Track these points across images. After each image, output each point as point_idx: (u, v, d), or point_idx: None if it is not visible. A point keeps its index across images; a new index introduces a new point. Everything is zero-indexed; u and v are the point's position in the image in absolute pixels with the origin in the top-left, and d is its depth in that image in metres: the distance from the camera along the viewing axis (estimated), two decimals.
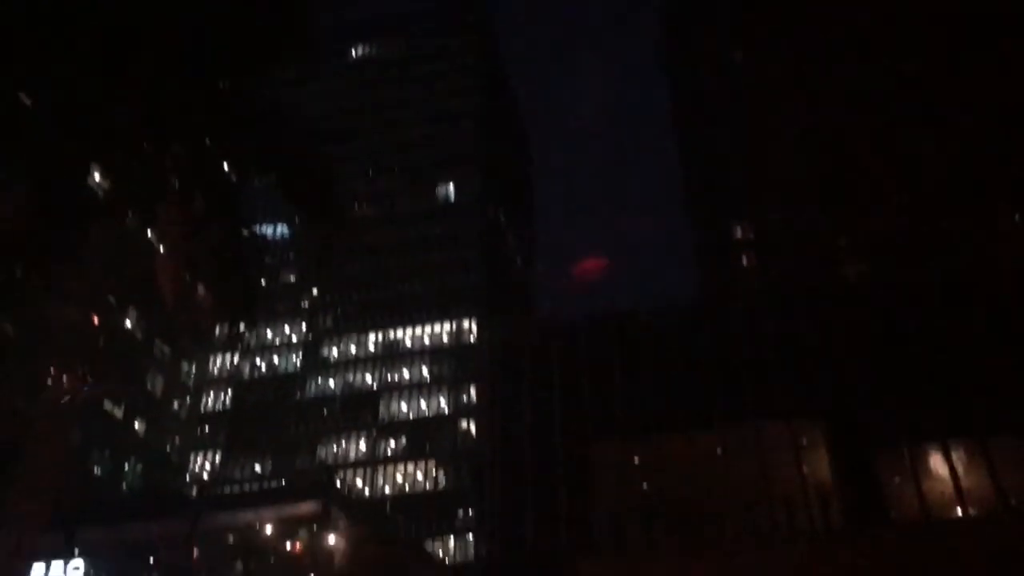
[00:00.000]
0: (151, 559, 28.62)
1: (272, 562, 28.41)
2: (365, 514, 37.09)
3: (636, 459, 29.84)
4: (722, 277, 48.70)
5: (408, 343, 72.80)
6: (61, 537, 25.24)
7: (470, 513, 63.05)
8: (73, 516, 25.43)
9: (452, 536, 62.16)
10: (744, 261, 49.18)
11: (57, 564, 25.54)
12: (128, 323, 50.60)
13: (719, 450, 28.82)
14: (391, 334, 73.31)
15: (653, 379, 33.41)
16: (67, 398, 11.81)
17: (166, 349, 59.12)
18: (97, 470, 48.99)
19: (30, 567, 12.51)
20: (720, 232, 50.00)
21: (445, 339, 71.84)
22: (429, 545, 57.59)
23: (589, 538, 28.90)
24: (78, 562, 26.00)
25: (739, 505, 26.15)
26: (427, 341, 72.23)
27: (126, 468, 52.88)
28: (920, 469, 28.35)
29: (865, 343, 32.43)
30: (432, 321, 72.45)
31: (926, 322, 33.35)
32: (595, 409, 45.60)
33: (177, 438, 62.52)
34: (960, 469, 27.84)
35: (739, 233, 49.52)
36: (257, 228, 76.86)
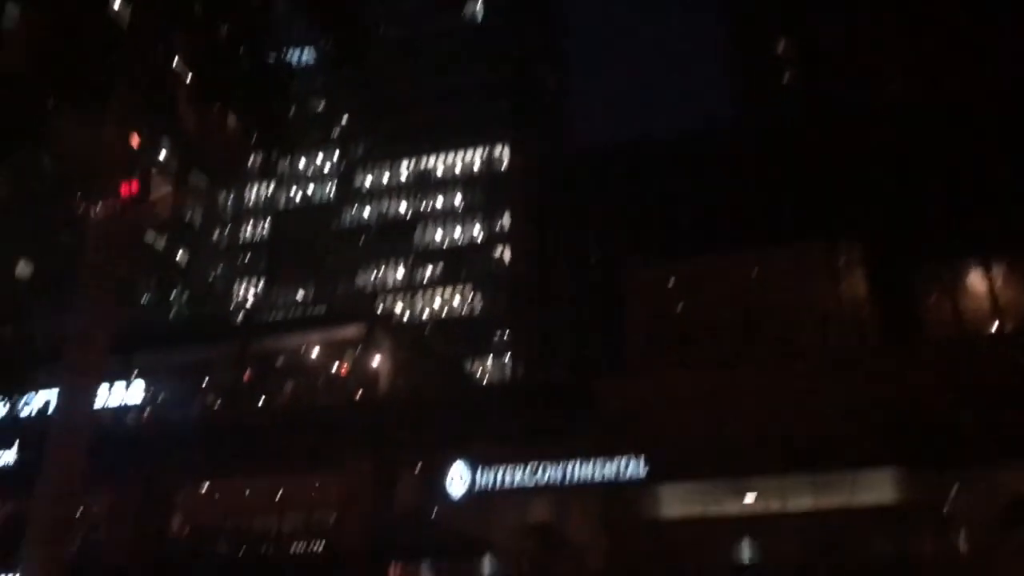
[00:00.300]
0: (204, 381, 29.94)
1: (320, 382, 29.58)
2: (405, 337, 38.23)
3: (671, 281, 30.05)
4: (762, 96, 47.25)
5: (440, 170, 72.49)
6: (120, 361, 26.40)
7: (505, 336, 64.81)
8: (129, 342, 26.50)
9: (488, 358, 64.21)
10: (785, 79, 47.53)
11: (119, 385, 26.85)
12: (162, 154, 50.65)
13: (755, 272, 28.87)
14: (423, 162, 72.91)
15: (689, 201, 33.13)
16: (109, 226, 11.96)
17: (202, 180, 59.51)
18: (146, 299, 50.67)
19: (97, 389, 13.10)
20: (761, 49, 48.07)
21: (477, 165, 71.37)
22: (467, 367, 59.60)
23: (621, 359, 29.65)
24: (138, 383, 27.31)
25: (774, 326, 26.47)
26: (459, 168, 71.84)
27: (172, 297, 54.60)
28: (958, 285, 28.30)
29: (906, 161, 31.71)
30: (464, 148, 71.74)
31: (968, 139, 32.39)
32: (630, 232, 45.69)
33: (219, 268, 64.00)
34: (999, 284, 27.72)
35: (781, 49, 47.56)
36: (284, 55, 74.96)
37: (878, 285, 28.93)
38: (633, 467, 19.39)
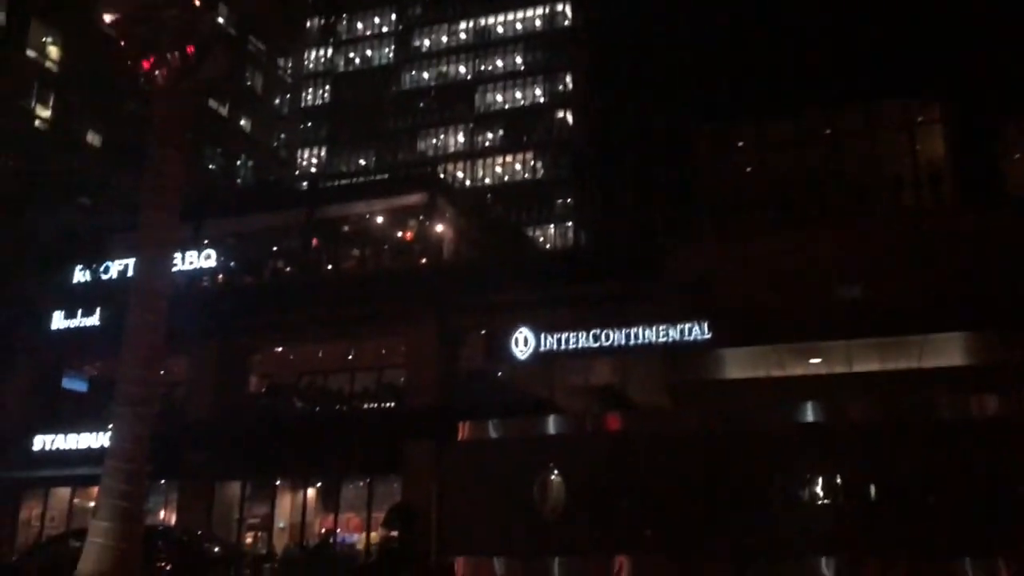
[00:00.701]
0: (273, 247, 30.62)
1: (384, 248, 30.00)
2: (468, 203, 38.26)
3: (740, 143, 29.21)
4: None
5: (500, 30, 70.50)
6: (191, 228, 27.05)
7: (568, 201, 64.44)
8: (199, 209, 27.07)
9: (552, 224, 64.11)
10: None
11: (191, 253, 27.61)
12: (220, 19, 50.19)
13: (828, 131, 27.88)
14: (483, 21, 70.91)
15: (762, 58, 31.71)
16: (173, 93, 11.97)
17: (261, 45, 59.01)
18: (212, 166, 51.40)
19: (171, 255, 13.48)
20: None
21: (538, 24, 69.17)
22: (529, 233, 59.72)
23: (687, 224, 29.32)
24: (209, 251, 28.04)
25: (846, 188, 25.73)
26: (520, 27, 69.75)
27: (238, 164, 55.27)
28: None
29: (989, 13, 29.70)
30: (525, 6, 69.39)
31: None
32: (697, 93, 44.27)
33: (282, 134, 64.25)
34: None
35: None
36: None
37: (957, 145, 27.75)
38: (697, 331, 19.40)
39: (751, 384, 20.35)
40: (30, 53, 41.33)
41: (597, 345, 19.71)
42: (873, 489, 11.03)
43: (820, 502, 11.40)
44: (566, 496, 12.23)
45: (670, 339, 19.19)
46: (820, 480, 11.40)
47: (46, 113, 41.88)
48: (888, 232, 21.27)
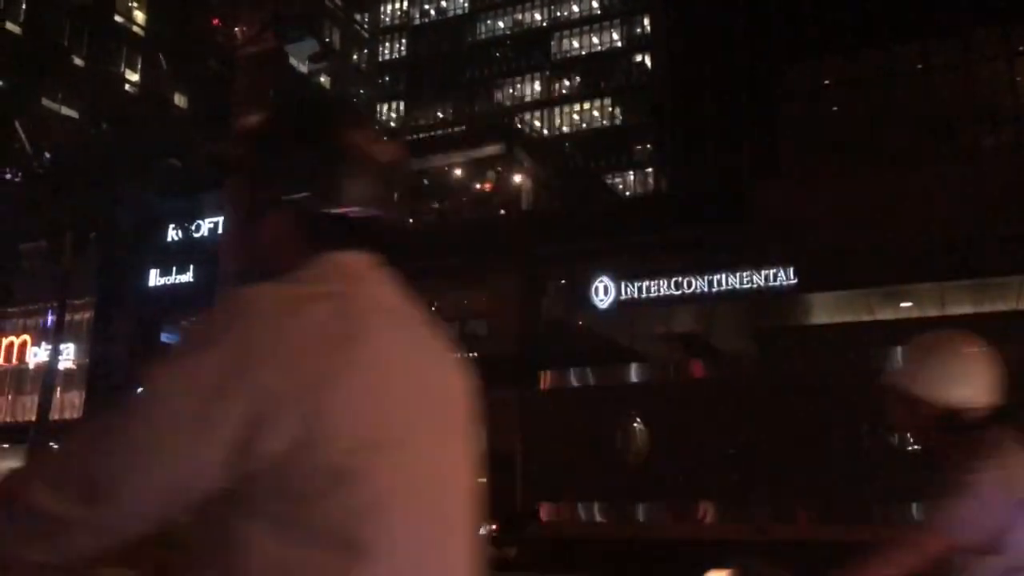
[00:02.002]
0: None
1: (465, 200, 30.18)
2: (546, 152, 38.06)
3: (828, 80, 28.21)
4: None
5: None
6: None
7: (648, 147, 63.44)
8: None
9: (631, 171, 63.31)
10: None
11: None
12: None
13: (920, 65, 26.67)
14: None
15: None
16: (253, 52, 12.17)
17: (339, 1, 59.34)
18: None
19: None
20: None
21: None
22: (609, 180, 59.11)
23: (774, 166, 28.57)
24: None
25: (939, 124, 24.65)
26: None
27: None
28: None
29: None
30: None
31: None
32: (782, 28, 42.68)
33: (361, 89, 64.79)
34: None
35: None
36: None
37: None
38: (783, 276, 19.06)
39: (839, 329, 19.94)
40: (117, 18, 42.51)
41: (679, 293, 19.56)
42: None
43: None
44: (649, 443, 12.28)
45: (754, 285, 18.91)
46: None
47: (134, 77, 43.14)
48: (982, 170, 20.36)
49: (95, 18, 41.31)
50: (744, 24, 49.29)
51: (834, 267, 18.39)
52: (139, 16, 43.38)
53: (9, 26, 38.04)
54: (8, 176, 24.19)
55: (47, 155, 23.44)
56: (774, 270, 18.81)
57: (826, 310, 19.94)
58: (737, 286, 19.00)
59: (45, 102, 37.96)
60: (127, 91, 42.32)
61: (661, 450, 12.24)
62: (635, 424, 12.69)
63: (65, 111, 37.10)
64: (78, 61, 40.36)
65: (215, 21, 10.42)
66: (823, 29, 35.59)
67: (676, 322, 21.20)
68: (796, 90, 28.68)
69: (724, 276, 19.30)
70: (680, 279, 19.63)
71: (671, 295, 19.63)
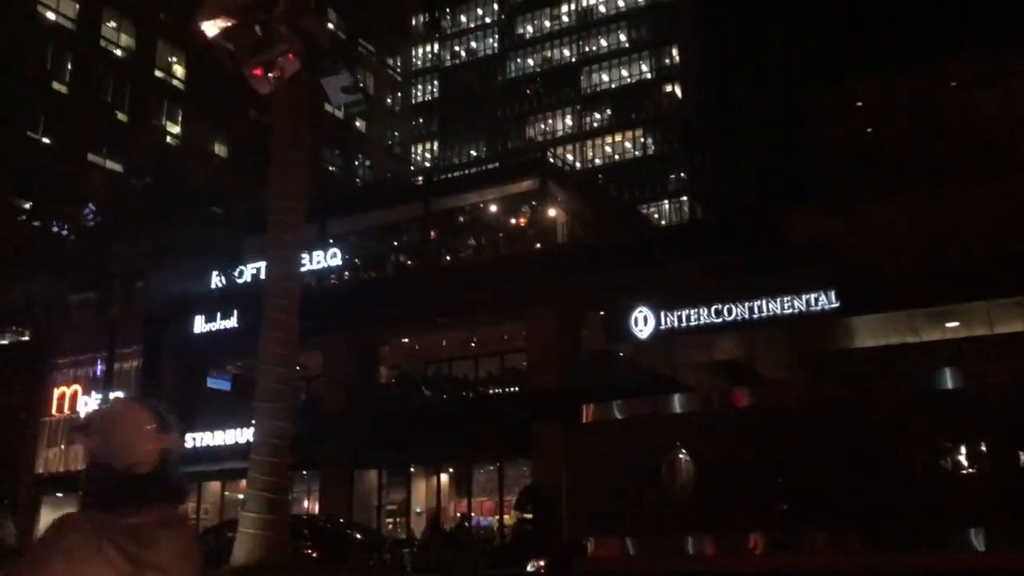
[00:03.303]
0: (393, 242, 31.47)
1: (500, 235, 30.36)
2: (580, 185, 38.21)
3: (859, 100, 28.03)
4: None
5: (603, 9, 69.85)
6: (316, 228, 28.04)
7: (682, 176, 63.40)
8: (322, 210, 28.08)
9: (666, 200, 63.27)
10: None
11: (317, 253, 28.66)
12: (331, 25, 51.73)
13: (953, 83, 26.42)
14: (584, 3, 70.44)
15: (878, 10, 30.23)
16: (290, 99, 12.46)
17: (371, 47, 60.41)
18: (332, 168, 53.12)
19: (299, 255, 14.06)
20: None
21: (641, 1, 68.17)
22: (644, 210, 59.09)
23: (807, 190, 28.41)
24: (334, 250, 29.05)
25: (979, 141, 24.34)
26: (622, 5, 68.94)
27: (356, 164, 56.89)
28: None
29: None
30: None
31: None
32: (810, 53, 42.61)
33: (396, 131, 65.68)
34: None
35: None
36: None
37: None
38: (824, 300, 18.84)
39: (884, 352, 19.61)
40: (158, 74, 43.72)
41: (720, 320, 19.40)
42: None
43: (964, 471, 10.94)
44: (696, 474, 12.15)
45: (796, 310, 18.69)
46: (963, 449, 10.93)
47: (175, 129, 44.24)
48: (1020, 192, 20.02)
49: (137, 74, 42.53)
50: (773, 49, 49.29)
51: (876, 288, 18.15)
52: (178, 70, 44.58)
53: (56, 85, 39.31)
54: (56, 230, 24.87)
55: (93, 209, 24.07)
56: (815, 294, 18.60)
57: (870, 333, 19.63)
58: (778, 311, 18.80)
59: (91, 157, 39.05)
60: (169, 143, 43.39)
61: (708, 481, 12.09)
62: (680, 455, 12.57)
63: (110, 165, 38.12)
64: (121, 116, 41.54)
65: (256, 71, 10.69)
66: (853, 50, 35.53)
67: (718, 350, 21.01)
68: (828, 112, 28.51)
69: (764, 302, 19.11)
70: (720, 306, 19.49)
71: (711, 323, 19.47)
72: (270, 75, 11.13)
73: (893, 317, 18.61)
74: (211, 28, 10.71)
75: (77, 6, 40.35)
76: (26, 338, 31.48)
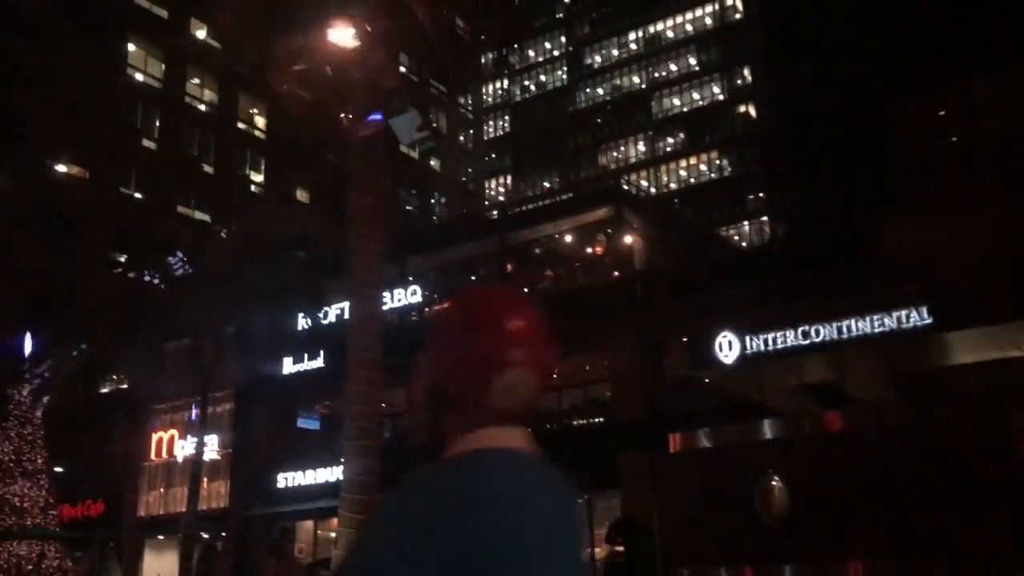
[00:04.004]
0: (471, 277, 31.73)
1: (577, 265, 30.32)
2: (655, 211, 37.97)
3: (943, 110, 27.21)
4: None
5: (671, 35, 69.73)
6: (396, 267, 28.52)
7: (761, 196, 62.43)
8: (401, 248, 28.55)
9: (745, 221, 62.32)
10: None
11: (398, 291, 29.10)
12: (403, 68, 52.93)
13: None
14: (651, 29, 70.45)
15: (962, 14, 29.37)
16: (366, 142, 12.74)
17: (442, 88, 61.52)
18: (409, 207, 54.03)
19: (380, 296, 14.29)
20: None
21: (709, 22, 67.83)
22: (723, 233, 58.31)
23: (891, 205, 27.60)
24: (414, 287, 29.45)
25: None
26: (690, 28, 68.70)
27: (432, 202, 57.75)
28: None
29: None
30: (692, 6, 68.30)
31: None
32: (887, 61, 41.58)
33: (469, 168, 66.53)
34: None
35: None
36: None
37: None
38: (916, 317, 18.21)
39: (983, 368, 18.80)
40: (240, 125, 45.35)
41: (807, 342, 18.93)
42: None
43: None
44: (790, 501, 11.82)
45: (887, 328, 18.12)
46: None
47: (259, 177, 45.72)
48: None
49: (220, 127, 44.21)
50: (848, 62, 48.34)
51: (971, 302, 17.46)
52: (259, 121, 46.17)
53: (146, 142, 41.14)
54: (149, 279, 25.87)
55: (182, 258, 25.00)
56: (906, 310, 18.00)
57: (967, 349, 18.85)
58: (868, 331, 18.25)
59: (180, 209, 40.65)
60: (253, 191, 44.86)
61: (803, 508, 11.75)
62: (773, 482, 12.25)
63: (198, 215, 39.60)
64: (207, 168, 43.18)
65: (343, 116, 11.01)
66: (934, 58, 34.56)
67: (807, 373, 20.48)
68: (910, 123, 27.72)
69: (853, 321, 18.58)
70: (807, 328, 19.02)
71: (799, 345, 19.01)
72: (343, 116, 11.44)
73: (990, 331, 17.85)
74: (284, 75, 11.07)
75: (163, 66, 42.27)
76: (124, 386, 32.72)
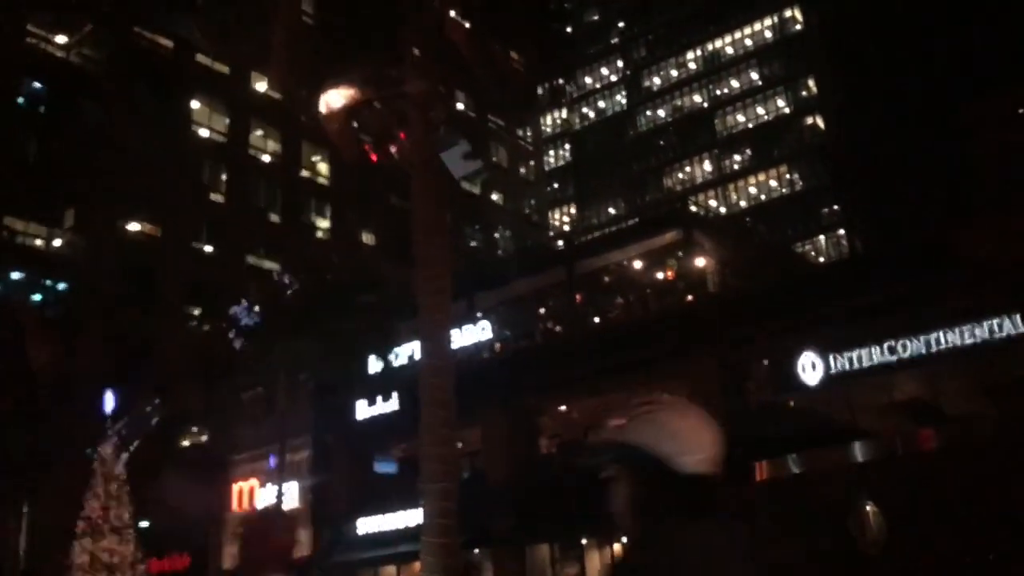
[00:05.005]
0: (540, 309, 31.43)
1: (648, 291, 29.77)
2: (726, 230, 37.21)
3: (1021, 109, 26.08)
4: None
5: (730, 51, 68.92)
6: (464, 305, 28.39)
7: (835, 208, 60.86)
8: (468, 285, 28.43)
9: (821, 235, 60.76)
10: None
11: (468, 328, 28.95)
12: (460, 105, 53.40)
13: None
14: (710, 46, 69.76)
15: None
16: (425, 175, 12.63)
17: (500, 122, 61.83)
18: (474, 243, 54.16)
19: (449, 334, 14.11)
20: None
21: (769, 36, 66.86)
22: (798, 248, 56.93)
23: (971, 209, 26.42)
24: (484, 323, 29.26)
25: None
26: (750, 43, 67.80)
27: (496, 236, 57.82)
28: None
29: None
30: (751, 21, 67.45)
31: None
32: (956, 63, 40.26)
33: (532, 199, 66.54)
34: None
35: None
36: None
37: None
38: (1009, 325, 17.27)
39: None
40: (304, 174, 46.20)
41: (894, 358, 18.10)
42: None
43: None
44: (886, 526, 11.13)
45: (978, 338, 17.22)
46: None
47: (324, 223, 46.41)
48: None
49: (285, 177, 45.10)
50: (916, 66, 46.97)
51: None
52: (322, 168, 46.96)
53: (213, 196, 42.17)
54: (223, 330, 26.25)
55: (254, 308, 25.31)
56: (997, 319, 17.09)
57: None
58: (958, 342, 17.35)
59: (249, 260, 41.43)
60: (319, 238, 45.52)
61: (900, 533, 11.05)
62: (868, 507, 11.58)
63: (267, 265, 40.30)
64: (274, 217, 44.01)
65: (392, 148, 10.93)
66: (1007, 58, 33.26)
67: (897, 390, 19.56)
68: (985, 125, 26.60)
69: (942, 333, 17.72)
70: (893, 343, 18.20)
71: (886, 362, 18.18)
72: (392, 150, 11.35)
73: None
74: (335, 115, 11.02)
75: (227, 121, 43.39)
76: (204, 438, 33.24)
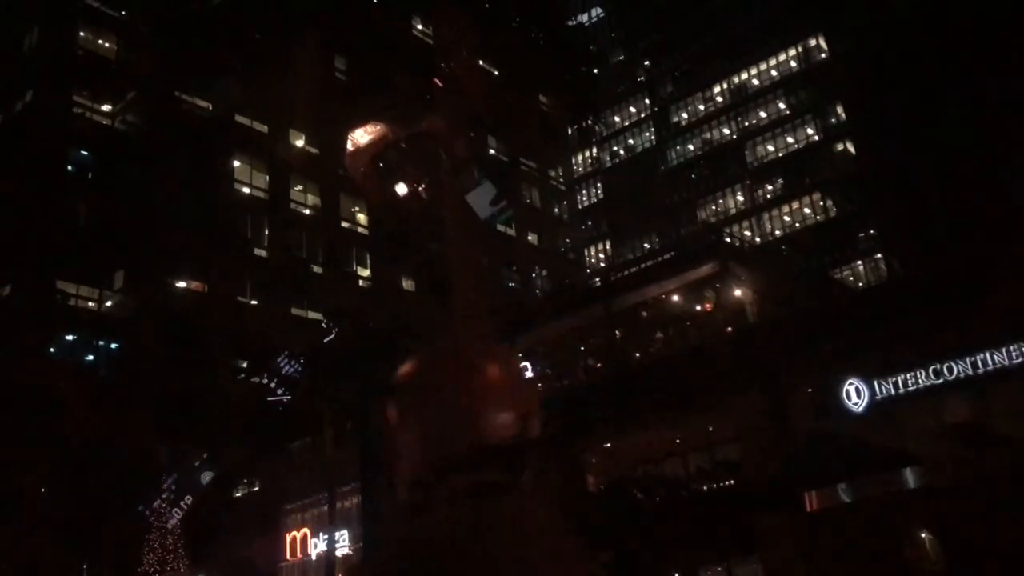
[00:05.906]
0: (580, 347, 31.54)
1: (687, 324, 29.76)
2: (762, 260, 37.14)
3: None
4: None
5: (756, 83, 69.20)
6: (506, 346, 28.60)
7: (871, 232, 60.37)
8: (508, 326, 28.68)
9: (859, 261, 60.22)
10: None
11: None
12: (491, 150, 54.15)
13: None
14: (736, 79, 70.11)
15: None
16: (463, 224, 12.90)
17: (532, 164, 62.48)
18: (511, 284, 54.53)
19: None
20: None
21: (794, 65, 67.05)
22: (836, 274, 56.45)
23: (1010, 225, 26.19)
24: (524, 364, 29.44)
25: None
26: (775, 74, 68.03)
27: (533, 276, 58.15)
28: None
29: None
30: (775, 51, 67.75)
31: None
32: (983, 79, 40.08)
33: (567, 238, 66.86)
34: None
35: None
36: (572, 20, 76.67)
37: None
38: None
39: None
40: (344, 224, 47.04)
41: (941, 380, 17.95)
42: None
43: None
44: (943, 554, 11.03)
45: None
46: None
47: (365, 272, 47.08)
48: None
49: (325, 229, 45.96)
50: (947, 84, 46.81)
51: None
52: (361, 218, 47.78)
53: (256, 251, 43.06)
54: (267, 382, 26.67)
55: (298, 359, 25.71)
56: None
57: None
58: (1006, 363, 17.18)
59: (294, 311, 42.12)
60: (361, 286, 46.17)
61: (960, 561, 10.93)
62: (923, 535, 11.46)
63: (311, 315, 40.91)
64: (316, 268, 44.77)
65: (419, 188, 11.21)
66: None
67: (947, 413, 19.31)
68: (1020, 141, 26.49)
69: (988, 353, 17.55)
70: (939, 365, 18.06)
71: (933, 384, 18.03)
72: (421, 193, 11.62)
73: None
74: (359, 158, 11.30)
75: (267, 178, 44.44)
76: (256, 489, 33.59)
